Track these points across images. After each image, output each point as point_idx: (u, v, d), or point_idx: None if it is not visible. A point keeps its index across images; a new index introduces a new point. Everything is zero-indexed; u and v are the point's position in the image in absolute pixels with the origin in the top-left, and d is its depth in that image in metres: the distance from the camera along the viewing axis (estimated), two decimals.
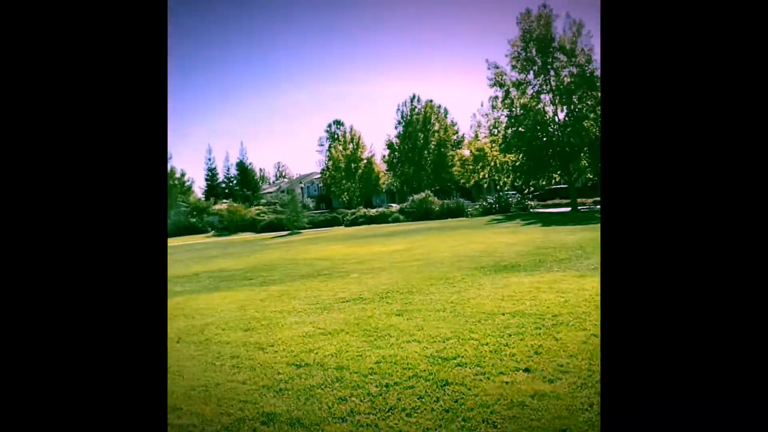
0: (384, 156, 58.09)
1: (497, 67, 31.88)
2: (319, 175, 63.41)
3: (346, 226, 32.84)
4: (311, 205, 53.07)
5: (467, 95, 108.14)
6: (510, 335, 4.71)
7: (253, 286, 9.17)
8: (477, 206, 33.02)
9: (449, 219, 29.93)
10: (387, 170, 57.20)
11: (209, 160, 72.94)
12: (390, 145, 55.94)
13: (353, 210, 37.97)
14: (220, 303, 7.69)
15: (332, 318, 5.96)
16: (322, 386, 3.82)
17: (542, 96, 31.38)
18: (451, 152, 52.24)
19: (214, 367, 4.50)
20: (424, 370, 3.97)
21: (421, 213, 32.34)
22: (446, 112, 56.06)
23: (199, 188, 72.20)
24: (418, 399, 3.49)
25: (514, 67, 31.34)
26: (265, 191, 71.53)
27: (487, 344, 4.49)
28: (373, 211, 35.27)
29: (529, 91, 31.44)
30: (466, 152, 42.52)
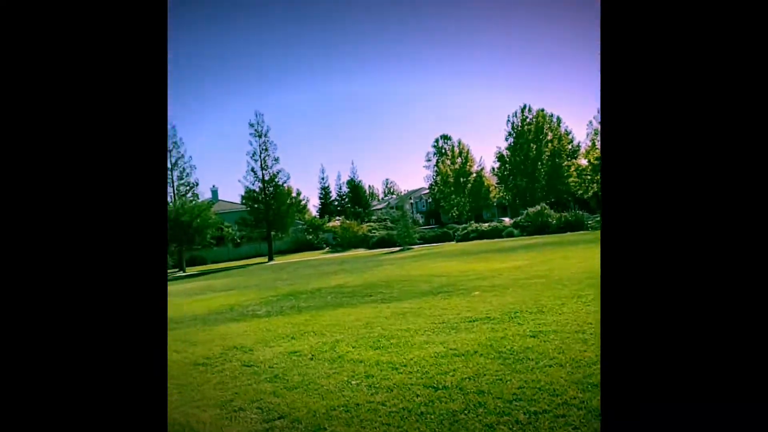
0: (494, 169, 56.96)
1: None
2: (427, 191, 63.64)
3: (458, 241, 32.48)
4: (421, 221, 53.46)
5: (581, 102, 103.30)
6: None
7: (375, 303, 9.24)
8: (598, 218, 31.13)
9: (568, 233, 28.51)
10: (498, 183, 55.94)
11: (322, 179, 76.28)
12: (500, 157, 54.66)
13: (464, 225, 37.45)
14: (346, 320, 7.81)
15: (462, 338, 5.78)
16: (465, 411, 3.66)
17: None
18: (566, 162, 49.98)
19: (350, 386, 4.50)
20: (574, 398, 3.67)
21: (536, 227, 31.09)
22: (559, 120, 53.68)
23: (313, 207, 75.76)
24: (573, 429, 3.21)
25: None
26: (375, 207, 73.18)
27: None
28: (485, 226, 34.45)
29: None
30: (583, 161, 40.39)
